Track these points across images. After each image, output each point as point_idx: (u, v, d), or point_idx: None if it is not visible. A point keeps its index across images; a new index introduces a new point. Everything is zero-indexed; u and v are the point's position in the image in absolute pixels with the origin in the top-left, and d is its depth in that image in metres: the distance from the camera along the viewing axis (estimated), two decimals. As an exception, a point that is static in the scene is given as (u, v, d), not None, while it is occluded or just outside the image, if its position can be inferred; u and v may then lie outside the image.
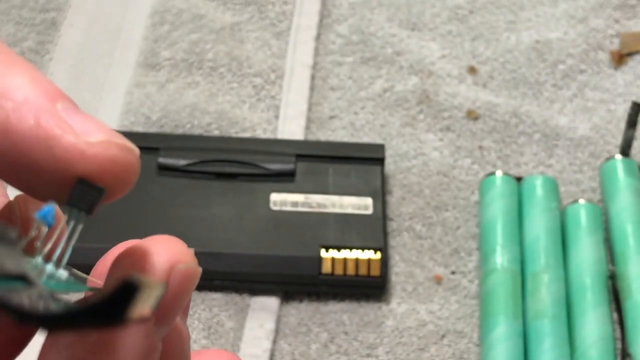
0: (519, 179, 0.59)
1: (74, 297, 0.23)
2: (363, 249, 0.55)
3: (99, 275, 0.24)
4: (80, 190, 0.22)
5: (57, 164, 0.22)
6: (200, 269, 0.23)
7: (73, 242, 0.23)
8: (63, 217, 0.22)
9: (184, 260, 0.23)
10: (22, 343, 0.23)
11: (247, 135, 0.61)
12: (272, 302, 0.55)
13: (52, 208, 0.22)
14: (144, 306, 0.20)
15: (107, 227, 0.53)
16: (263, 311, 0.54)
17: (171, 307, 0.23)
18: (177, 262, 0.23)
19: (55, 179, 0.22)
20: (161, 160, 0.58)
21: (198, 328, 0.53)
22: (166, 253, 0.23)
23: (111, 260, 0.23)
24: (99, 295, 0.19)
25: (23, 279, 0.21)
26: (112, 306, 0.19)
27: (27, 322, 0.20)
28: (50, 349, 0.22)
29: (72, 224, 0.22)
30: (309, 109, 0.63)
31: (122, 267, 0.23)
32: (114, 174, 0.22)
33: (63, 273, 0.23)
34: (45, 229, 0.22)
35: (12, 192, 0.24)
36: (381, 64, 0.66)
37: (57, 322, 0.20)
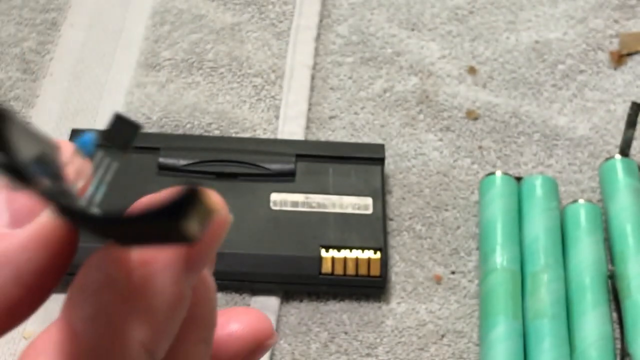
0: (518, 179, 0.59)
1: None
2: (363, 248, 0.55)
3: None
4: (116, 126, 0.21)
5: None
6: (231, 216, 0.23)
7: (107, 179, 0.22)
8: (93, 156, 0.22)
9: (218, 209, 0.23)
10: (68, 260, 0.23)
11: (247, 135, 0.61)
12: (272, 301, 0.55)
13: (92, 135, 0.21)
14: (197, 223, 0.19)
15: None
16: (263, 311, 0.54)
17: (201, 255, 0.22)
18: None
19: None
20: (161, 160, 0.58)
21: (198, 328, 0.53)
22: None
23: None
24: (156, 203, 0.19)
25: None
26: (170, 214, 0.18)
27: (84, 223, 0.19)
28: (76, 295, 0.22)
29: (107, 161, 0.22)
30: (309, 109, 0.63)
31: None
32: None
33: (96, 210, 0.22)
34: (81, 159, 0.21)
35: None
36: (381, 64, 0.66)
37: (113, 224, 0.19)
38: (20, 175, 0.19)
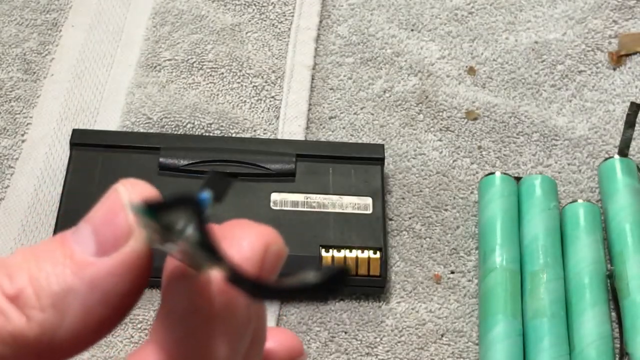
0: (517, 179, 0.59)
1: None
2: (363, 248, 0.55)
3: None
4: (213, 178, 0.25)
5: None
6: (287, 249, 0.26)
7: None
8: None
9: (275, 242, 0.26)
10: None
11: (247, 135, 0.62)
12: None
13: (208, 196, 0.24)
14: None
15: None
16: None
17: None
18: (270, 244, 0.26)
19: None
20: (162, 160, 0.58)
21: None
22: (261, 236, 0.26)
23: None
24: (315, 276, 0.23)
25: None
26: (325, 286, 0.23)
27: (260, 296, 0.24)
28: (165, 320, 0.25)
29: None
30: (309, 110, 0.63)
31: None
32: None
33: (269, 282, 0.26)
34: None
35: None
36: (381, 64, 0.66)
37: (286, 295, 0.24)
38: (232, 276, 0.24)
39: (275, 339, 0.29)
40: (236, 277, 0.23)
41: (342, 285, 0.23)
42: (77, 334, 0.24)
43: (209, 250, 0.23)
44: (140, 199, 0.26)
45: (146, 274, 0.25)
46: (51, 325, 0.24)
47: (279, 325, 0.54)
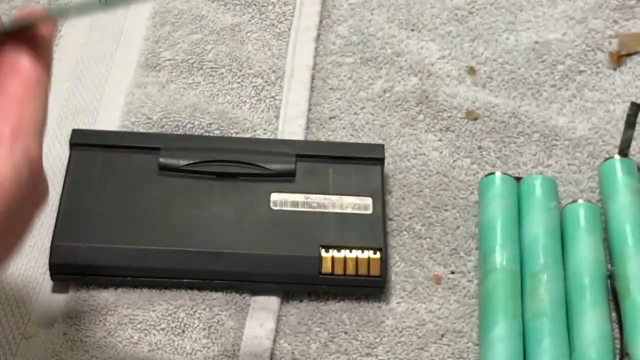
0: (518, 179, 0.59)
1: None
2: (363, 248, 0.55)
3: None
4: None
5: None
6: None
7: None
8: None
9: None
10: None
11: (247, 135, 0.61)
12: (272, 301, 0.55)
13: None
14: None
15: (108, 227, 0.53)
16: (263, 311, 0.54)
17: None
18: None
19: None
20: (162, 160, 0.58)
21: (199, 327, 0.53)
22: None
23: None
24: None
25: None
26: None
27: None
28: None
29: None
30: (309, 110, 0.63)
31: None
32: None
33: None
34: None
35: None
36: (381, 64, 0.66)
37: None
38: None
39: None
40: None
41: None
42: None
43: None
44: None
45: None
46: None
47: (279, 326, 0.54)
